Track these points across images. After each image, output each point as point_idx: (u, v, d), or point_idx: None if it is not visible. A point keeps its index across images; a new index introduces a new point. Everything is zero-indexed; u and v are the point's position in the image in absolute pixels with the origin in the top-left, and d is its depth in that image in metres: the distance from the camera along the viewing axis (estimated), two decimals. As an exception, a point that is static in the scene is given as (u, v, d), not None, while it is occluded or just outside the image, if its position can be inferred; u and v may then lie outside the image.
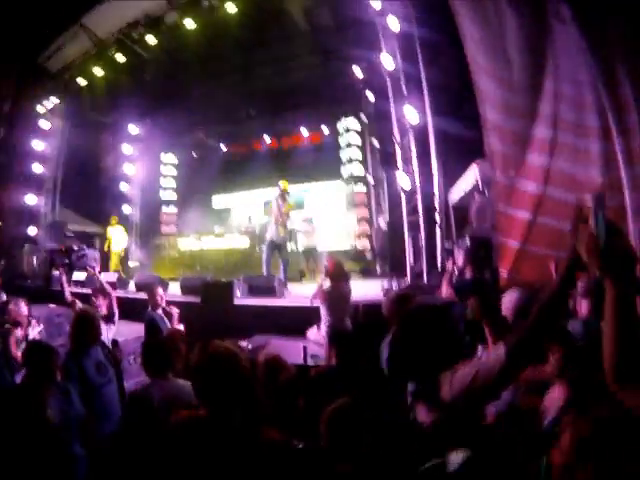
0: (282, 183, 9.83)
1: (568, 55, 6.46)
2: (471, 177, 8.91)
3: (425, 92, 8.48)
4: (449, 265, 5.46)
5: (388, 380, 3.16)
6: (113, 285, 10.45)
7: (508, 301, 3.43)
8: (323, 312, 5.62)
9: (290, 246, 11.69)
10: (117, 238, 13.32)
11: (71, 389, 3.03)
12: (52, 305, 8.95)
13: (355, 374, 3.24)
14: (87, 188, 15.55)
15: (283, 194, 9.72)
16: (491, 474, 1.09)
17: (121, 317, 6.43)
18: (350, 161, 15.46)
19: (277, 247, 9.65)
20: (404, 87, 8.92)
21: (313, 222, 12.17)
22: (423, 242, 8.33)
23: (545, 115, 6.53)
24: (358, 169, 15.31)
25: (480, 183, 8.40)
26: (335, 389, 3.00)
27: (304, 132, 16.78)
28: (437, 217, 8.27)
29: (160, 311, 5.81)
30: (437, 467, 1.18)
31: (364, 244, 14.56)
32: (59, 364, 3.08)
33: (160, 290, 6.08)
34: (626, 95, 6.20)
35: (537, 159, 6.56)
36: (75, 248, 12.63)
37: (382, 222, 12.21)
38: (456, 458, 1.14)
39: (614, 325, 1.27)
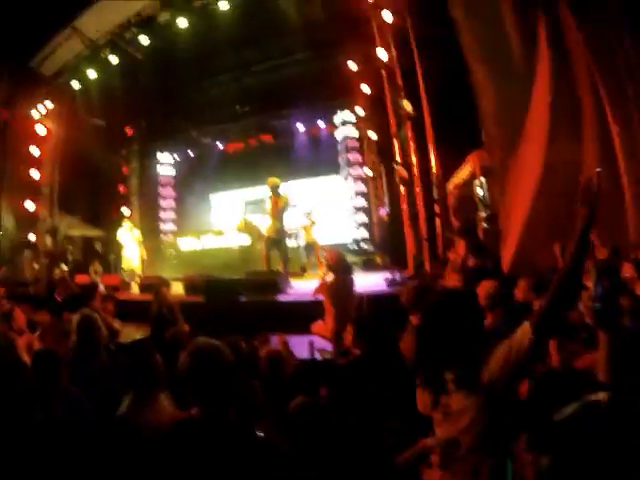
0: (271, 180, 9.77)
1: (562, 40, 6.46)
2: (469, 166, 8.94)
3: (421, 83, 8.47)
4: (451, 255, 5.47)
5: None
6: (115, 289, 10.54)
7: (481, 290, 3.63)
8: (328, 305, 5.62)
9: (290, 241, 11.72)
10: (131, 242, 12.77)
11: (78, 394, 3.00)
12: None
13: (383, 364, 3.29)
14: (85, 192, 15.57)
15: (275, 190, 9.66)
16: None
17: (126, 319, 6.45)
18: (347, 155, 15.45)
19: (275, 243, 9.64)
20: (400, 79, 8.93)
21: (313, 216, 12.16)
22: (424, 232, 8.36)
23: (541, 103, 6.53)
24: (355, 162, 15.30)
25: (478, 172, 8.44)
26: (366, 379, 3.07)
27: (300, 127, 16.70)
28: (436, 207, 8.29)
29: (166, 310, 5.82)
30: (589, 406, 1.34)
31: (364, 237, 14.62)
32: (64, 369, 3.05)
33: (165, 289, 6.09)
34: (621, 67, 6.15)
35: (533, 147, 6.57)
36: None
37: (382, 214, 12.20)
38: (602, 397, 1.32)
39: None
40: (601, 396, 1.32)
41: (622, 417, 1.26)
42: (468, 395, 1.90)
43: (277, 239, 9.62)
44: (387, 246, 11.21)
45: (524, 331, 1.82)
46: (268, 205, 9.76)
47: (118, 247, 13.24)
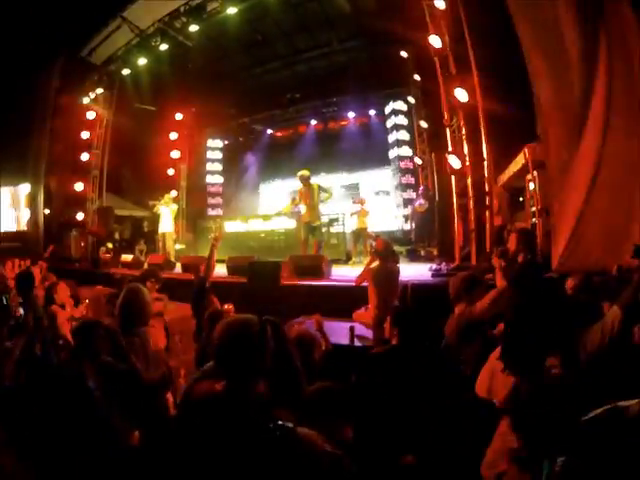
0: (300, 174, 10.03)
1: (620, 31, 6.20)
2: (521, 159, 8.70)
3: (474, 72, 8.28)
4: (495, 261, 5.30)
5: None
6: (159, 267, 10.75)
7: None
8: (371, 292, 5.58)
9: (336, 227, 12.23)
10: (168, 218, 12.35)
11: (115, 366, 3.01)
12: (99, 287, 9.27)
13: (418, 353, 3.23)
14: (134, 174, 16.05)
15: (305, 181, 9.92)
16: None
17: (168, 297, 6.54)
18: (397, 144, 15.31)
19: (311, 229, 9.86)
20: (453, 67, 8.75)
21: (365, 204, 12.17)
22: (472, 225, 8.20)
23: (598, 94, 6.27)
24: (405, 151, 15.18)
25: (531, 165, 8.22)
26: (398, 368, 3.03)
27: (350, 115, 16.71)
28: (487, 200, 8.11)
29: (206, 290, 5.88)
30: (614, 412, 1.31)
31: (410, 226, 14.47)
32: (106, 341, 3.07)
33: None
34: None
35: (590, 140, 6.32)
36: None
37: (417, 205, 12.04)
38: (632, 404, 1.31)
39: None
40: (633, 403, 1.29)
41: None
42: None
43: (313, 226, 9.83)
44: (433, 236, 11.09)
45: (614, 314, 2.18)
46: (303, 194, 9.96)
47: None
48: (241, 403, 1.89)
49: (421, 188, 12.56)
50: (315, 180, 10.26)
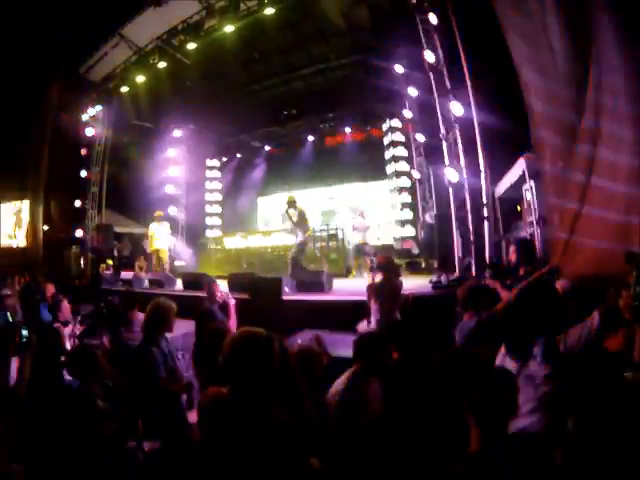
0: (288, 197, 10.23)
1: (607, 41, 6.29)
2: (518, 170, 8.78)
3: (469, 85, 8.38)
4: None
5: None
6: (160, 284, 10.78)
7: None
8: (373, 306, 5.61)
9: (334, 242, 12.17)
10: (160, 235, 12.69)
11: (117, 386, 3.17)
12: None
13: (419, 365, 3.28)
14: (133, 191, 16.08)
15: (292, 205, 10.03)
16: None
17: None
18: (395, 158, 15.40)
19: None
20: (447, 81, 8.85)
21: (366, 219, 12.22)
22: (471, 236, 8.24)
23: (589, 103, 6.35)
24: (403, 165, 15.25)
25: (527, 175, 8.28)
26: (403, 381, 3.07)
27: (347, 131, 16.82)
28: (485, 211, 8.15)
29: (216, 306, 5.92)
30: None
31: (410, 239, 14.57)
32: (103, 364, 3.20)
33: (217, 285, 6.20)
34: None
35: (582, 149, 6.37)
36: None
37: (428, 217, 12.09)
38: (629, 374, 1.87)
39: None
40: (629, 374, 1.79)
41: None
42: (549, 365, 2.51)
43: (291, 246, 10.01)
44: (433, 249, 11.12)
45: (594, 318, 2.56)
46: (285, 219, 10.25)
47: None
48: (243, 405, 2.02)
49: (432, 200, 12.62)
50: (313, 195, 10.30)
